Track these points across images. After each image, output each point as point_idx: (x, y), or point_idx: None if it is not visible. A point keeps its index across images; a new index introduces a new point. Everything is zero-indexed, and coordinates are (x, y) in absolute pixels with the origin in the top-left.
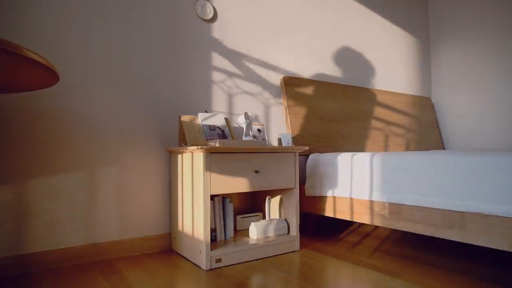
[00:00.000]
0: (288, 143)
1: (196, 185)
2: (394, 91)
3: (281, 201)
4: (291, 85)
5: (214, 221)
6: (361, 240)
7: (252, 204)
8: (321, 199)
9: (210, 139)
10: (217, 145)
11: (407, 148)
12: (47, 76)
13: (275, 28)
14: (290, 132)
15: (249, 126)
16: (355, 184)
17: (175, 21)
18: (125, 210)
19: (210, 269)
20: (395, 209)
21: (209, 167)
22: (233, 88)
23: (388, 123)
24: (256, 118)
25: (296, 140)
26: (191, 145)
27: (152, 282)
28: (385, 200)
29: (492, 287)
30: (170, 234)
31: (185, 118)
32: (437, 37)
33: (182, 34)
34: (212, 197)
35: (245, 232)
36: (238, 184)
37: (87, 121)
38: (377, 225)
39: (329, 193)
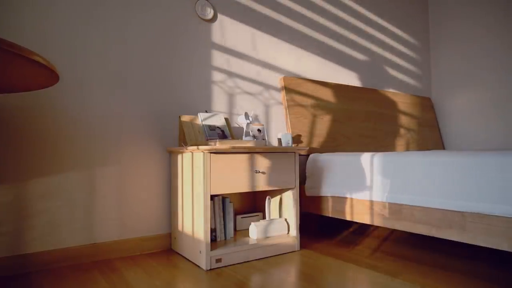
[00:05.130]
0: (288, 143)
1: (196, 185)
2: (394, 91)
3: (281, 201)
4: (291, 85)
5: (214, 221)
6: (361, 240)
7: (252, 204)
8: (321, 199)
9: (210, 139)
10: (217, 145)
11: (407, 148)
12: (47, 76)
13: (275, 28)
14: (290, 132)
15: (249, 126)
16: (355, 184)
17: (175, 21)
18: (125, 210)
19: (210, 269)
20: (395, 209)
21: (209, 167)
22: (233, 88)
23: (388, 123)
24: (256, 118)
25: (296, 140)
26: (191, 145)
27: (152, 282)
28: (385, 200)
29: (492, 287)
30: (170, 234)
31: (185, 118)
32: (437, 37)
33: (182, 34)
34: (212, 197)
35: (245, 232)
36: (238, 184)
37: (87, 121)
38: (377, 225)
39: (329, 193)
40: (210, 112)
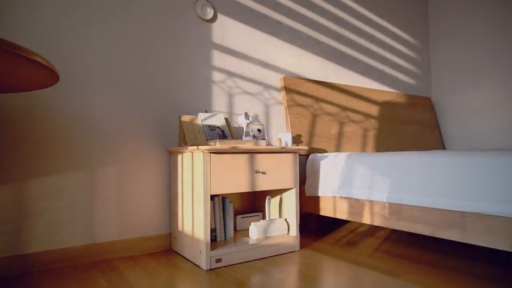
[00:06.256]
0: (288, 143)
1: (196, 185)
2: (394, 91)
3: (281, 201)
4: (291, 85)
5: (214, 221)
6: (361, 240)
7: (252, 204)
8: (321, 199)
9: (210, 139)
10: (217, 145)
11: (407, 148)
12: (47, 76)
13: (275, 28)
14: (290, 132)
15: (249, 126)
16: (355, 184)
17: (175, 21)
18: (125, 210)
19: (210, 269)
20: (395, 209)
21: (209, 167)
22: (233, 88)
23: (388, 123)
24: (256, 118)
25: (296, 140)
26: (191, 145)
27: (152, 282)
28: (385, 200)
29: (492, 287)
30: (170, 234)
31: (185, 118)
32: (437, 37)
33: (182, 34)
34: (212, 197)
35: (245, 232)
36: (238, 184)
37: (87, 121)
38: (377, 225)
39: (329, 193)
40: (210, 112)
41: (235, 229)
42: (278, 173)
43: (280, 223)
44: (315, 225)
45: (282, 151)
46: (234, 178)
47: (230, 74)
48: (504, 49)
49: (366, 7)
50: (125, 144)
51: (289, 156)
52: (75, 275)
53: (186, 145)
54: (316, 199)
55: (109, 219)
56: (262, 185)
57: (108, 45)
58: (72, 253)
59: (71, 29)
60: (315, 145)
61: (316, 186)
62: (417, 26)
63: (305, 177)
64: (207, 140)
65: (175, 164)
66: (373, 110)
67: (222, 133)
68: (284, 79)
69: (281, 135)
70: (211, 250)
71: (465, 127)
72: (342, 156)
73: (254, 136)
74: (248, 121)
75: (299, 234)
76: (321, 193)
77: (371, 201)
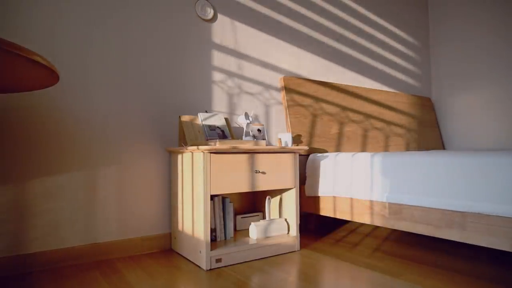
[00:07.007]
0: (288, 143)
1: (196, 185)
2: (394, 91)
3: (281, 201)
4: (291, 85)
5: (214, 221)
6: (361, 240)
7: (252, 204)
8: (321, 199)
9: (210, 139)
10: (217, 145)
11: (407, 148)
12: (47, 76)
13: (275, 28)
14: (290, 132)
15: (249, 126)
16: (355, 184)
17: (175, 21)
18: (125, 210)
19: (210, 269)
20: (395, 209)
21: (209, 167)
22: (233, 88)
23: (388, 123)
24: (256, 118)
25: (296, 140)
26: (191, 145)
27: (152, 282)
28: (385, 200)
29: (492, 287)
30: (170, 234)
31: (185, 118)
32: (437, 37)
33: (182, 34)
34: (212, 197)
35: (245, 232)
36: (238, 184)
37: (87, 121)
38: (377, 225)
39: (329, 193)
40: (210, 112)
41: (235, 229)
42: (278, 173)
43: (280, 223)
44: (315, 225)
45: (282, 151)
46: (234, 178)
47: (230, 74)
48: (503, 49)
49: (366, 7)
50: (125, 144)
51: (289, 156)
52: (75, 275)
53: (186, 145)
54: (316, 199)
55: (109, 219)
56: (262, 185)
57: (108, 45)
58: (74, 253)
59: (72, 29)
60: (315, 145)
61: (316, 186)
62: (417, 27)
63: (305, 177)
64: (207, 140)
65: (175, 164)
66: (373, 110)
67: (222, 133)
68: (284, 79)
69: (281, 135)
70: (211, 250)
71: (465, 127)
72: (342, 156)
73: (254, 136)
74: (248, 121)
75: (299, 234)
76: (321, 193)
77: (371, 201)
